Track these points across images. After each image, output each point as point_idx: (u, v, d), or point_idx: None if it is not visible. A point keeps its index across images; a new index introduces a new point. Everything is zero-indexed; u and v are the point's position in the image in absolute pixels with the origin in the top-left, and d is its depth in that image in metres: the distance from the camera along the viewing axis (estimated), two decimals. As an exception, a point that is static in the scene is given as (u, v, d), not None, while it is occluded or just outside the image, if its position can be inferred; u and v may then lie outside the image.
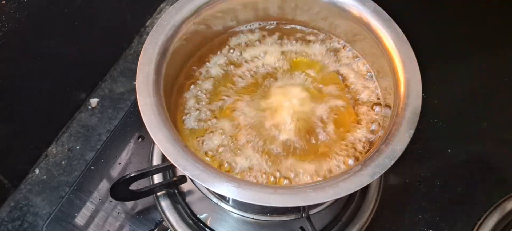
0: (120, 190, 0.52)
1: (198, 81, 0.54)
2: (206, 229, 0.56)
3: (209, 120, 0.51)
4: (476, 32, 0.78)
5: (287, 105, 0.52)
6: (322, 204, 0.55)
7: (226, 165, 0.48)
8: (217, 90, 0.54)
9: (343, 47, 0.57)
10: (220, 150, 0.49)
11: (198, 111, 0.52)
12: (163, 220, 0.57)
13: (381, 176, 0.42)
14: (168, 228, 0.57)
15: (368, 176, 0.41)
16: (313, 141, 0.50)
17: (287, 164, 0.48)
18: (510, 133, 0.68)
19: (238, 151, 0.49)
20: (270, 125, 0.51)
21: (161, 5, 0.79)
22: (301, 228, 0.53)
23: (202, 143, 0.50)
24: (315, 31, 0.58)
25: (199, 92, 0.53)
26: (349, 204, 0.58)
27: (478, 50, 0.76)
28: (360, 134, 0.51)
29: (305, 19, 0.57)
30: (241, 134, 0.50)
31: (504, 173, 0.64)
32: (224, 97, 0.53)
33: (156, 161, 0.62)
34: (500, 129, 0.68)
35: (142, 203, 0.59)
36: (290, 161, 0.48)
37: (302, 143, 0.50)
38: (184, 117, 0.51)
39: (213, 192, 0.55)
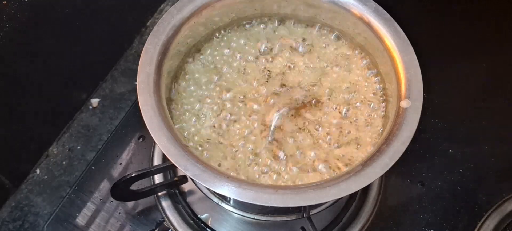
0: (121, 190, 0.52)
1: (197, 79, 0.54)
2: (207, 229, 0.56)
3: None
4: (477, 32, 0.78)
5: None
6: (323, 204, 0.55)
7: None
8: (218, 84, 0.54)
9: (344, 41, 0.57)
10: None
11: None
12: (164, 220, 0.57)
13: (382, 176, 0.42)
14: (169, 228, 0.57)
15: (369, 176, 0.41)
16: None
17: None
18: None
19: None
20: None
21: (162, 5, 0.79)
22: (302, 228, 0.53)
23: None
24: (316, 26, 0.58)
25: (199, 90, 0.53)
26: (350, 204, 0.58)
27: (479, 50, 0.76)
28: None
29: (306, 16, 0.57)
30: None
31: (505, 173, 0.64)
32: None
33: (157, 161, 0.62)
34: (502, 129, 0.68)
35: (143, 203, 0.59)
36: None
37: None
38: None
39: (214, 192, 0.55)
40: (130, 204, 0.60)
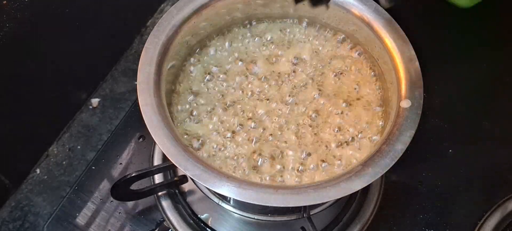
0: (121, 190, 0.52)
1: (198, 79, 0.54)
2: (207, 229, 0.56)
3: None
4: (478, 31, 0.78)
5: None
6: (323, 204, 0.55)
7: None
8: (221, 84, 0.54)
9: (344, 41, 0.57)
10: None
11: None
12: (164, 220, 0.57)
13: (382, 176, 0.42)
14: (169, 228, 0.57)
15: (369, 176, 0.41)
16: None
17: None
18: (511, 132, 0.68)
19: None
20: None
21: (162, 5, 0.79)
22: (302, 228, 0.53)
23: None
24: (316, 25, 0.58)
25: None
26: (350, 204, 0.58)
27: (479, 50, 0.76)
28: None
29: (307, 16, 0.57)
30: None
31: (505, 173, 0.64)
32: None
33: (157, 161, 0.62)
34: (502, 129, 0.68)
35: (143, 203, 0.59)
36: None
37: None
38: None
39: (214, 192, 0.55)
40: (130, 204, 0.60)
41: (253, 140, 0.50)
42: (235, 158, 0.49)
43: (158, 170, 0.56)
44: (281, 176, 0.48)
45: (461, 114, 0.69)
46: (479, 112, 0.69)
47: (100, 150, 0.64)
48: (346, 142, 0.50)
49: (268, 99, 0.53)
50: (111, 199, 0.60)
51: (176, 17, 0.51)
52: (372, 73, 0.55)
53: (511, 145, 0.66)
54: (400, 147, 0.43)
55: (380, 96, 0.53)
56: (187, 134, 0.50)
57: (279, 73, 0.55)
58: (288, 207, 0.52)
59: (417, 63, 0.48)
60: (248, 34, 0.58)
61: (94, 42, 0.67)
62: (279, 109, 0.52)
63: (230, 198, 0.53)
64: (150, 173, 0.53)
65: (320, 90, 0.54)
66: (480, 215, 0.59)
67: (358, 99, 0.53)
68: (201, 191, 0.57)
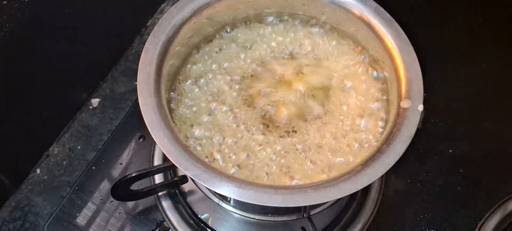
0: (121, 190, 0.52)
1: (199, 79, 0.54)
2: (207, 229, 0.56)
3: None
4: (478, 32, 0.78)
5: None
6: (323, 204, 0.55)
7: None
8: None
9: (344, 41, 0.57)
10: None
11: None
12: (164, 220, 0.57)
13: (382, 176, 0.42)
14: (169, 228, 0.57)
15: (369, 176, 0.41)
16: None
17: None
18: (512, 132, 0.68)
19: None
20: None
21: (162, 5, 0.79)
22: (302, 228, 0.53)
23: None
24: (316, 26, 0.58)
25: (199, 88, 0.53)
26: (351, 204, 0.58)
27: (480, 50, 0.76)
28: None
29: (306, 16, 0.57)
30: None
31: (506, 173, 0.64)
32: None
33: (157, 161, 0.62)
34: (502, 129, 0.68)
35: (143, 203, 0.59)
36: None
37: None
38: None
39: (214, 192, 0.55)
40: (130, 204, 0.60)
41: (252, 141, 0.50)
42: (234, 159, 0.49)
43: (158, 170, 0.56)
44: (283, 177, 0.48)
45: (462, 114, 0.69)
46: (479, 112, 0.69)
47: (100, 150, 0.64)
48: (346, 142, 0.50)
49: (267, 100, 0.53)
50: (111, 199, 0.60)
51: (176, 17, 0.51)
52: (372, 73, 0.55)
53: (511, 145, 0.66)
54: (400, 147, 0.43)
55: (381, 96, 0.53)
56: (186, 135, 0.50)
57: (279, 73, 0.55)
58: (288, 207, 0.52)
59: (417, 63, 0.48)
60: (249, 34, 0.58)
61: (94, 42, 0.67)
62: (279, 109, 0.52)
63: (230, 198, 0.53)
64: (150, 173, 0.53)
65: (320, 90, 0.54)
66: (480, 215, 0.59)
67: (358, 99, 0.53)
68: (201, 191, 0.57)
